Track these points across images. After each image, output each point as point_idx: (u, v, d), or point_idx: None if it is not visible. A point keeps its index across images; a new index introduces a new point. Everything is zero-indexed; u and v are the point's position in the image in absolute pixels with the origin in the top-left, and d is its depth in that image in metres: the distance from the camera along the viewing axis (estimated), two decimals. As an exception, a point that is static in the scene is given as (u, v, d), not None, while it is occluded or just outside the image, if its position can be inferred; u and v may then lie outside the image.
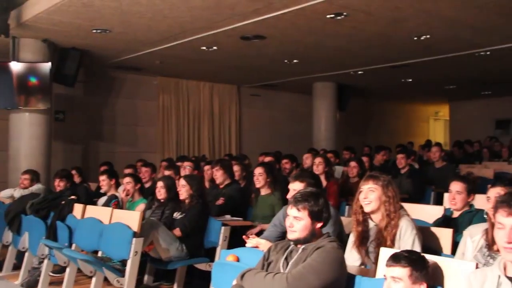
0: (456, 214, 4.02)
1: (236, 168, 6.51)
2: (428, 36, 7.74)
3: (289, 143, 13.06)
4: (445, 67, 10.42)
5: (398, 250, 2.75)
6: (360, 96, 14.53)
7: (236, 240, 4.86)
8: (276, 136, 13.53)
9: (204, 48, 8.47)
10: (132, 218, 4.48)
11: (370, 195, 3.34)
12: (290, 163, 7.64)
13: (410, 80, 12.09)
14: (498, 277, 2.22)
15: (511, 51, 8.76)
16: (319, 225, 2.92)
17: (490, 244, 2.88)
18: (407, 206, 4.77)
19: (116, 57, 9.36)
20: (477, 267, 2.54)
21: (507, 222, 2.17)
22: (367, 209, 3.35)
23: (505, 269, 2.22)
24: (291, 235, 2.91)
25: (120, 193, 5.78)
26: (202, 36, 7.69)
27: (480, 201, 3.91)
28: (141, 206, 5.57)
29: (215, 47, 8.43)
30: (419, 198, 6.64)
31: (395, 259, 2.59)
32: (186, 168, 6.92)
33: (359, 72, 10.93)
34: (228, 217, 5.46)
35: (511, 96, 14.99)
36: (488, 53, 8.91)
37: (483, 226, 3.12)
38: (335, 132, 12.43)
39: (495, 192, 3.33)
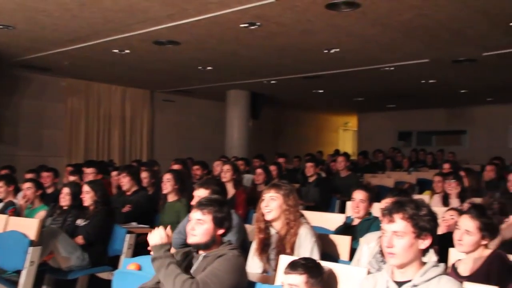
0: (356, 222, 4.19)
1: (144, 174, 6.39)
2: (337, 50, 8.04)
3: (202, 150, 13.04)
4: (353, 80, 10.86)
5: (296, 258, 2.83)
6: (273, 105, 14.80)
7: (142, 248, 4.78)
8: (189, 143, 13.46)
9: (116, 51, 8.27)
10: (29, 225, 4.27)
11: (271, 203, 3.42)
12: (201, 169, 7.63)
13: (321, 91, 12.48)
14: (387, 282, 2.34)
15: (413, 68, 9.30)
16: (220, 231, 2.93)
17: (383, 250, 3.03)
18: (313, 214, 4.95)
19: (21, 56, 8.88)
20: (369, 273, 2.67)
21: (388, 228, 2.30)
22: (268, 217, 3.43)
23: (393, 273, 2.35)
24: (191, 239, 2.91)
25: (19, 200, 5.48)
26: (114, 39, 7.50)
27: (378, 209, 4.10)
28: (42, 213, 5.31)
29: (127, 51, 8.25)
30: (325, 206, 6.86)
31: (292, 266, 2.66)
32: (88, 174, 6.61)
33: (272, 82, 11.13)
34: (134, 224, 5.34)
35: (413, 110, 15.96)
36: (392, 68, 9.40)
37: (379, 233, 3.27)
38: (247, 140, 12.55)
39: (385, 202, 3.51)
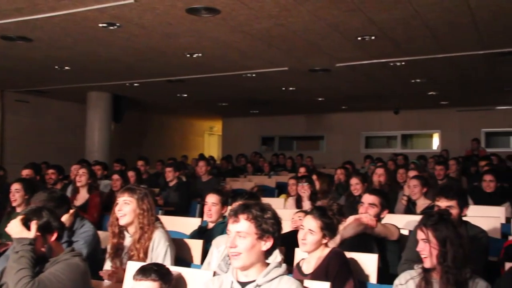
0: (210, 225, 4.23)
1: (-12, 180, 5.88)
2: (200, 55, 8.08)
3: (60, 154, 12.36)
4: (217, 85, 11.00)
5: (146, 263, 2.79)
6: (137, 108, 14.50)
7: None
8: (45, 147, 12.66)
9: (-44, 43, 7.52)
10: None
11: (125, 207, 3.38)
12: (56, 174, 7.24)
13: (186, 95, 12.47)
14: (231, 282, 2.39)
15: (273, 75, 9.67)
16: (53, 237, 2.78)
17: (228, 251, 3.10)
18: (170, 218, 4.92)
19: None
20: (214, 275, 2.71)
21: (232, 228, 2.37)
22: (121, 221, 3.39)
23: (237, 274, 2.41)
24: None
25: None
26: (-48, 30, 6.82)
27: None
28: None
29: (-30, 44, 7.55)
30: (185, 210, 6.85)
31: (144, 273, 2.62)
32: None
33: (135, 84, 10.89)
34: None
35: (276, 115, 16.60)
36: (254, 75, 9.68)
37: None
38: (109, 143, 12.15)
39: (235, 205, 3.60)
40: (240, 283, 2.37)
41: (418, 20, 6.18)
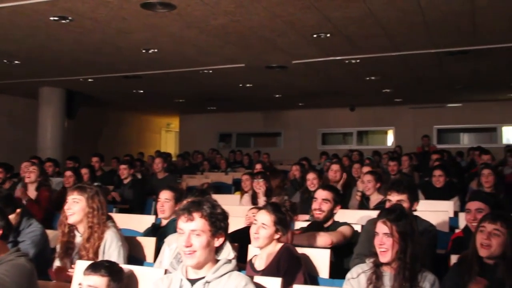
0: (164, 223, 4.19)
1: None
2: (156, 50, 7.98)
3: (10, 151, 11.98)
4: (173, 81, 10.90)
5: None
6: (92, 104, 14.20)
7: None
8: (-6, 143, 12.26)
9: None
10: None
11: (73, 206, 3.33)
12: (4, 172, 7.03)
13: (142, 91, 12.30)
14: (181, 280, 2.37)
15: (230, 72, 9.64)
16: None
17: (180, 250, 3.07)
18: (125, 216, 4.85)
19: None
20: (166, 273, 2.68)
21: (186, 227, 2.34)
22: (70, 220, 3.35)
23: (187, 271, 2.39)
24: None
25: None
26: None
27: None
28: None
29: None
30: (140, 207, 6.77)
31: (95, 268, 2.60)
32: None
33: (89, 80, 10.66)
34: None
35: (233, 112, 16.59)
36: (210, 71, 9.63)
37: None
38: (62, 140, 11.87)
39: (187, 201, 3.58)
40: (189, 280, 2.36)
41: (372, 19, 6.29)
